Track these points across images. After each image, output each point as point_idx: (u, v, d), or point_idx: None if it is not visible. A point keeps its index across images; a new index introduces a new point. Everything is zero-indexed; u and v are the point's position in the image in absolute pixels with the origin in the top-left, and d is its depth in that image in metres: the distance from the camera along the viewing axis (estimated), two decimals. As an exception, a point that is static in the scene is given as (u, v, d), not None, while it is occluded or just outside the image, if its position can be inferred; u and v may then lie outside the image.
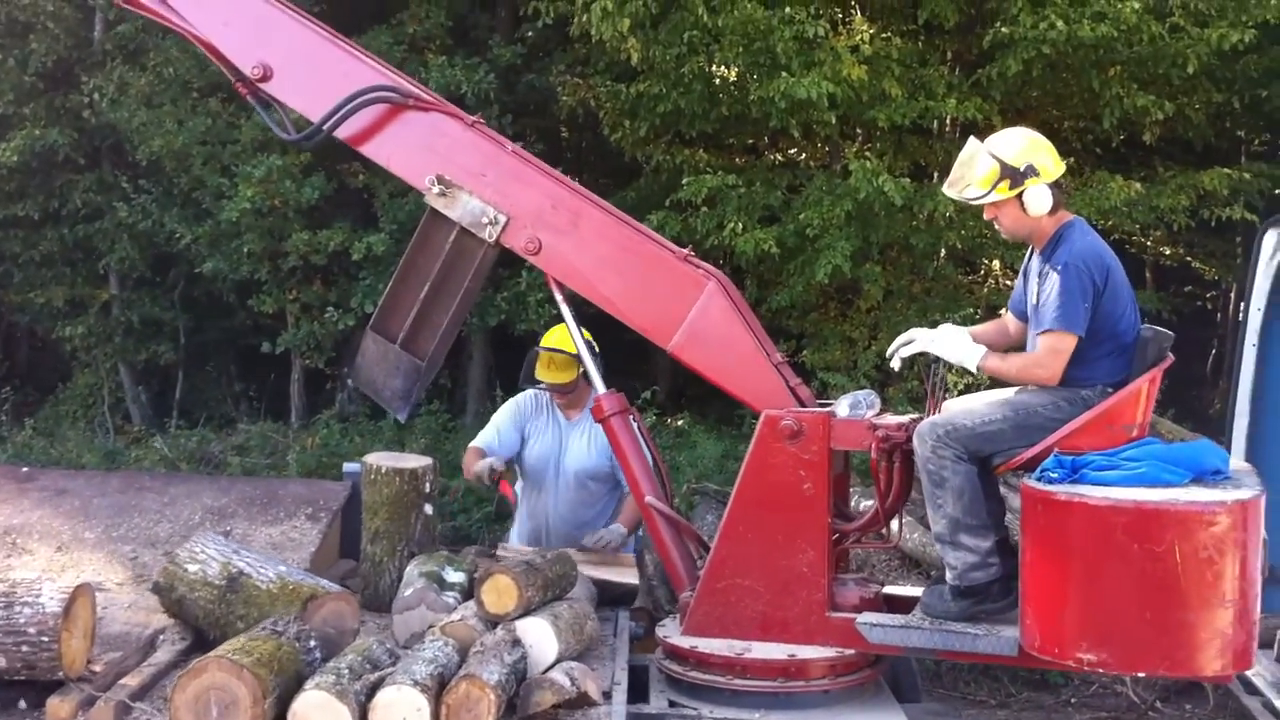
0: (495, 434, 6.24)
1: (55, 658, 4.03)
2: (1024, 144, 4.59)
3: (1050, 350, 4.46)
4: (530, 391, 6.33)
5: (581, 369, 5.89)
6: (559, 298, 5.25)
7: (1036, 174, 4.51)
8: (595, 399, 5.25)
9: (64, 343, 12.63)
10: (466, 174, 5.18)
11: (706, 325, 4.96)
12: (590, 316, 5.46)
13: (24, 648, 4.02)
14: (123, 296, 12.64)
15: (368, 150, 5.31)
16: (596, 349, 5.60)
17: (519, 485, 6.42)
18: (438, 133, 5.24)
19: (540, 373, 6.07)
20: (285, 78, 5.33)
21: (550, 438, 6.20)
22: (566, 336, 5.76)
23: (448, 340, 5.40)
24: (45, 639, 4.02)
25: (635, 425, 5.27)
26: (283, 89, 5.36)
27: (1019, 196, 4.52)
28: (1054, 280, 4.44)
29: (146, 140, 11.01)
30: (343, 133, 5.25)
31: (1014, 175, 4.51)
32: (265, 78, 5.32)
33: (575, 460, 6.14)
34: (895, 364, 4.84)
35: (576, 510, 6.21)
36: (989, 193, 4.55)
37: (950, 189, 4.72)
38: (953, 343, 4.63)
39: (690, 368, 5.12)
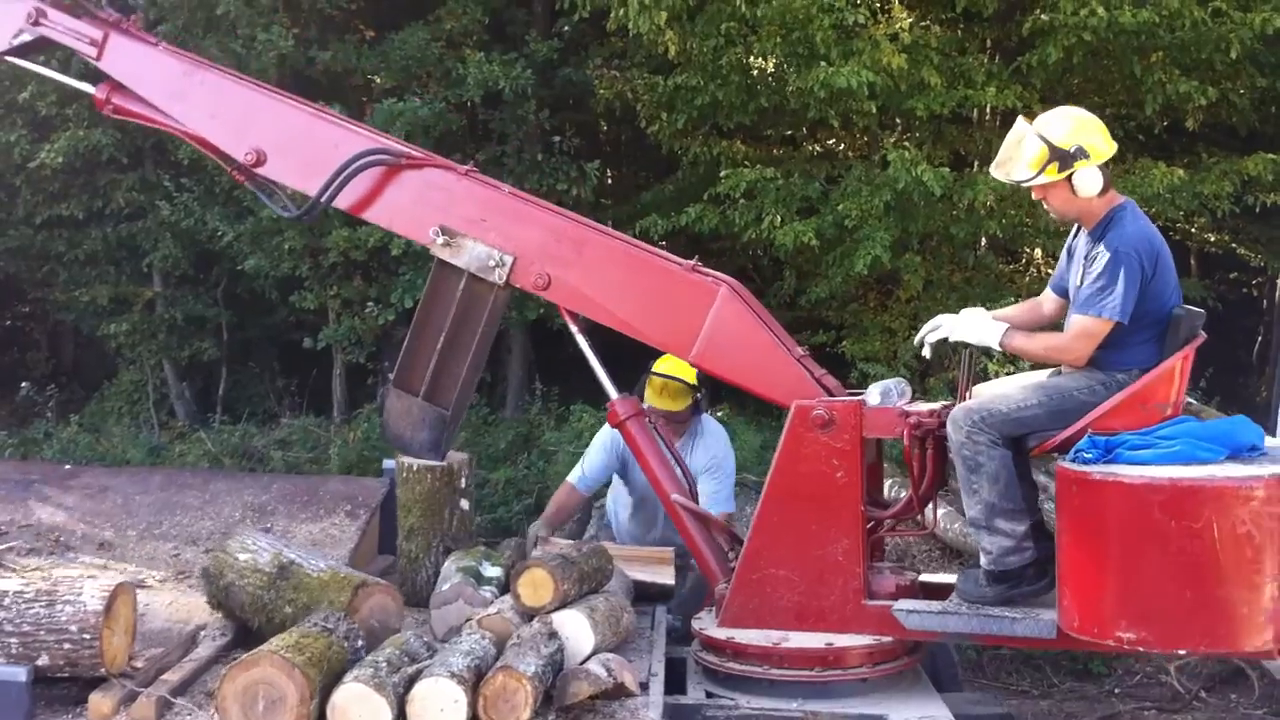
0: (585, 470, 6.31)
1: (97, 655, 4.08)
2: (1073, 125, 4.53)
3: (1081, 333, 4.42)
4: None
5: (695, 397, 5.98)
6: (574, 329, 5.28)
7: (1086, 155, 4.45)
8: (609, 404, 5.27)
9: (108, 340, 12.75)
10: (467, 222, 5.25)
11: (724, 331, 4.98)
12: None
13: (66, 645, 4.08)
14: (166, 294, 12.75)
15: (369, 215, 5.41)
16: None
17: (629, 505, 6.44)
18: (433, 187, 5.32)
19: (651, 398, 6.04)
20: (279, 159, 5.43)
21: None
22: (682, 364, 5.78)
23: (470, 387, 5.46)
24: (87, 636, 4.08)
25: (652, 425, 5.29)
26: (278, 170, 5.46)
27: (1068, 178, 4.47)
28: (1101, 264, 4.39)
29: (188, 140, 11.10)
30: (342, 202, 5.34)
31: (1063, 157, 4.45)
32: (259, 162, 5.42)
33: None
34: (925, 352, 4.84)
35: None
36: (1037, 175, 4.50)
37: (997, 171, 4.67)
38: (974, 324, 4.60)
39: (715, 375, 5.16)
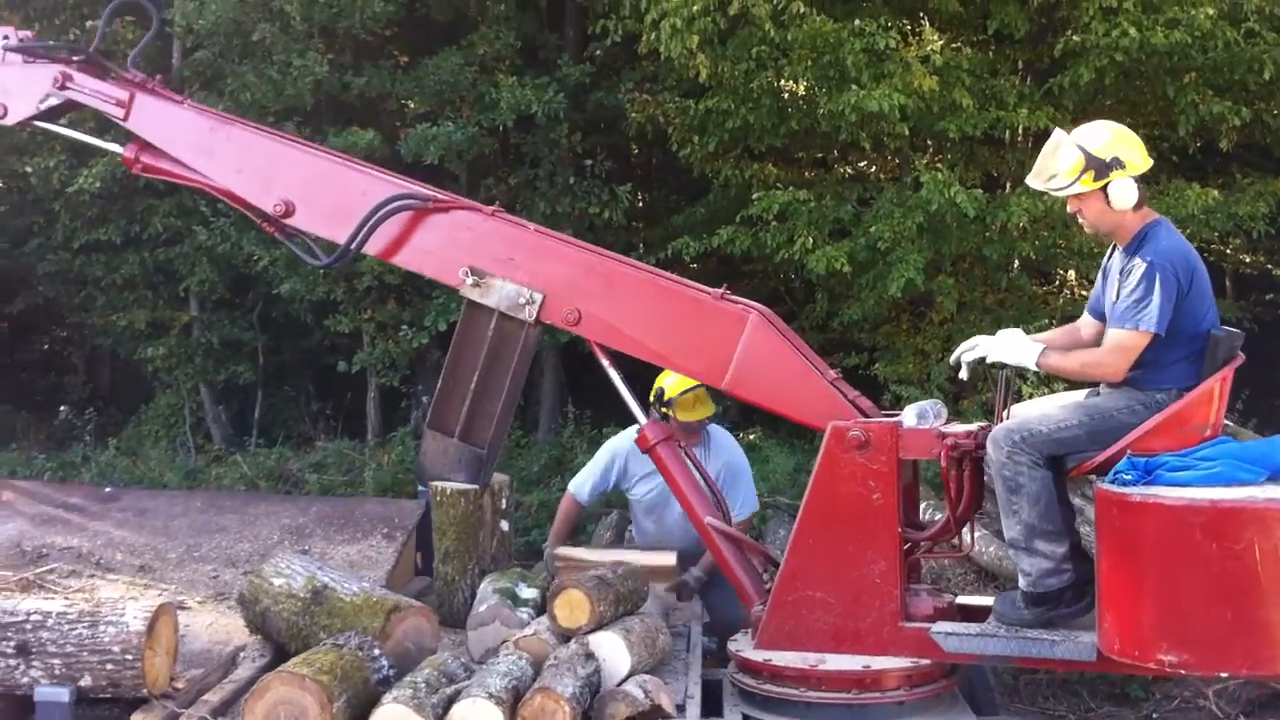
0: (586, 480, 6.46)
1: (139, 675, 4.12)
2: (1110, 136, 4.54)
3: (1117, 346, 4.41)
4: (630, 432, 6.27)
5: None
6: (605, 363, 5.31)
7: (1122, 166, 4.46)
8: (639, 429, 5.29)
9: (146, 364, 12.85)
10: (496, 261, 5.31)
11: (755, 358, 5.00)
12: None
13: (109, 665, 4.13)
14: (203, 318, 12.86)
15: (399, 260, 5.47)
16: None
17: (637, 518, 6.53)
18: (461, 228, 5.38)
19: (684, 414, 6.10)
20: (307, 209, 5.51)
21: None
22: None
23: (504, 425, 5.51)
24: (129, 657, 4.12)
25: (683, 449, 5.31)
26: (306, 220, 5.54)
27: (1104, 189, 4.46)
28: (1137, 276, 4.38)
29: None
30: (371, 248, 5.41)
31: (1099, 167, 4.45)
32: (288, 213, 5.50)
33: None
34: (963, 373, 4.82)
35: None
36: (1073, 183, 4.50)
37: (1034, 179, 4.68)
38: (1010, 344, 4.60)
39: (748, 401, 5.20)
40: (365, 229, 5.31)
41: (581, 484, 6.44)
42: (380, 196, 5.36)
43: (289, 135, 5.80)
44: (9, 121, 5.88)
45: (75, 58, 5.80)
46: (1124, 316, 4.38)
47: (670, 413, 6.06)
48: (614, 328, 5.21)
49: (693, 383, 5.93)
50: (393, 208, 5.33)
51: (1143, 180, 4.52)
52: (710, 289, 5.17)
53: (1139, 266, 4.39)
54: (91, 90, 5.70)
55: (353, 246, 5.36)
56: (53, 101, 5.75)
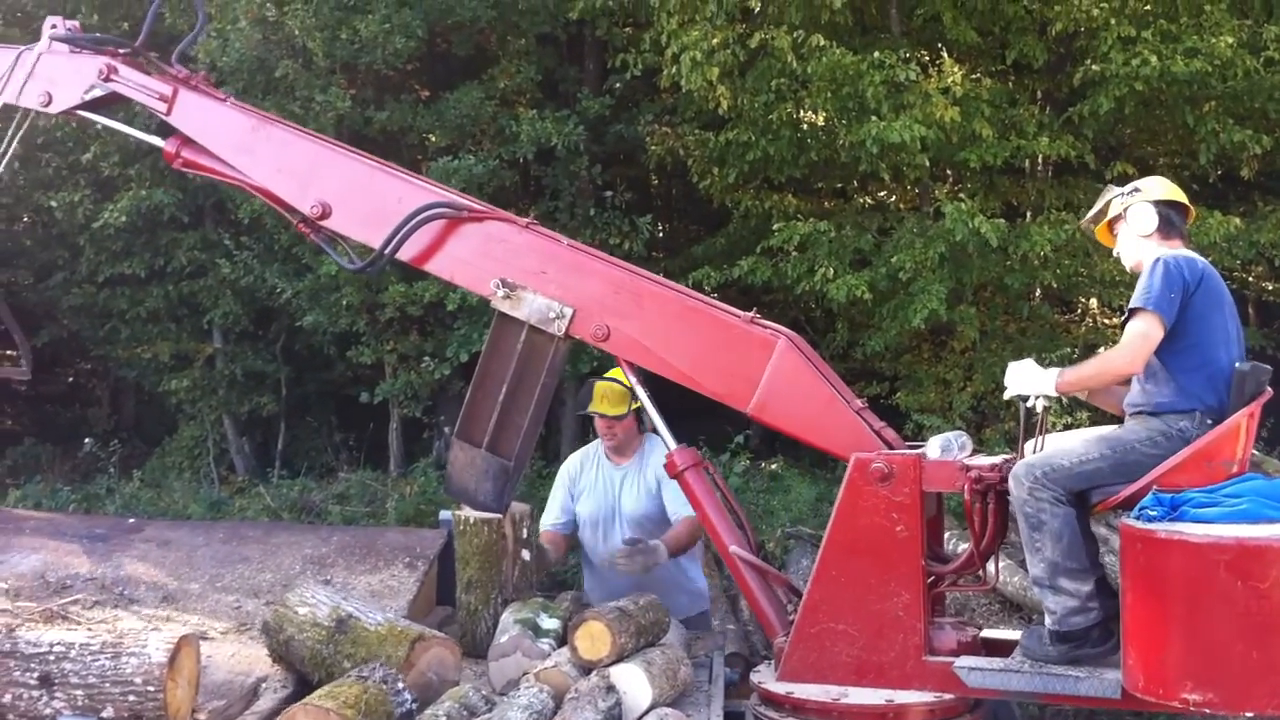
0: (551, 512, 6.35)
1: (161, 707, 4.12)
2: (1139, 180, 4.83)
3: (1133, 333, 4.39)
4: (578, 452, 6.41)
5: (634, 405, 5.96)
6: (633, 380, 5.30)
7: (1140, 191, 4.66)
8: (668, 455, 5.27)
9: (169, 396, 12.95)
10: (528, 274, 5.28)
11: (782, 384, 4.96)
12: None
13: (130, 697, 4.12)
14: (226, 350, 12.95)
15: (431, 267, 5.45)
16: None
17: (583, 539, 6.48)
18: (495, 239, 5.36)
19: (594, 404, 6.11)
20: (343, 212, 5.50)
21: (602, 488, 6.19)
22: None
23: (531, 437, 5.46)
24: (151, 688, 4.12)
25: (711, 476, 5.28)
26: (342, 223, 5.53)
27: (1125, 212, 4.66)
28: (1143, 274, 4.47)
29: (248, 199, 11.25)
30: (404, 254, 5.40)
31: (1122, 195, 4.70)
32: (325, 215, 5.50)
33: (631, 505, 6.12)
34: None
35: None
36: (1097, 211, 4.79)
37: (1082, 224, 5.03)
38: (1024, 375, 4.58)
39: (773, 427, 5.14)
40: (400, 235, 5.30)
41: (555, 517, 6.34)
42: (416, 203, 5.35)
43: (329, 139, 5.81)
44: (53, 110, 5.90)
45: (121, 50, 5.84)
46: (1133, 303, 4.42)
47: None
48: (642, 346, 5.19)
49: (620, 375, 5.83)
50: (428, 215, 5.33)
51: (1167, 213, 4.62)
52: (741, 312, 5.16)
53: (1147, 266, 4.49)
54: (136, 84, 5.73)
55: (386, 251, 5.36)
56: (97, 93, 5.78)
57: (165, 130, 5.88)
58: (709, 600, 6.53)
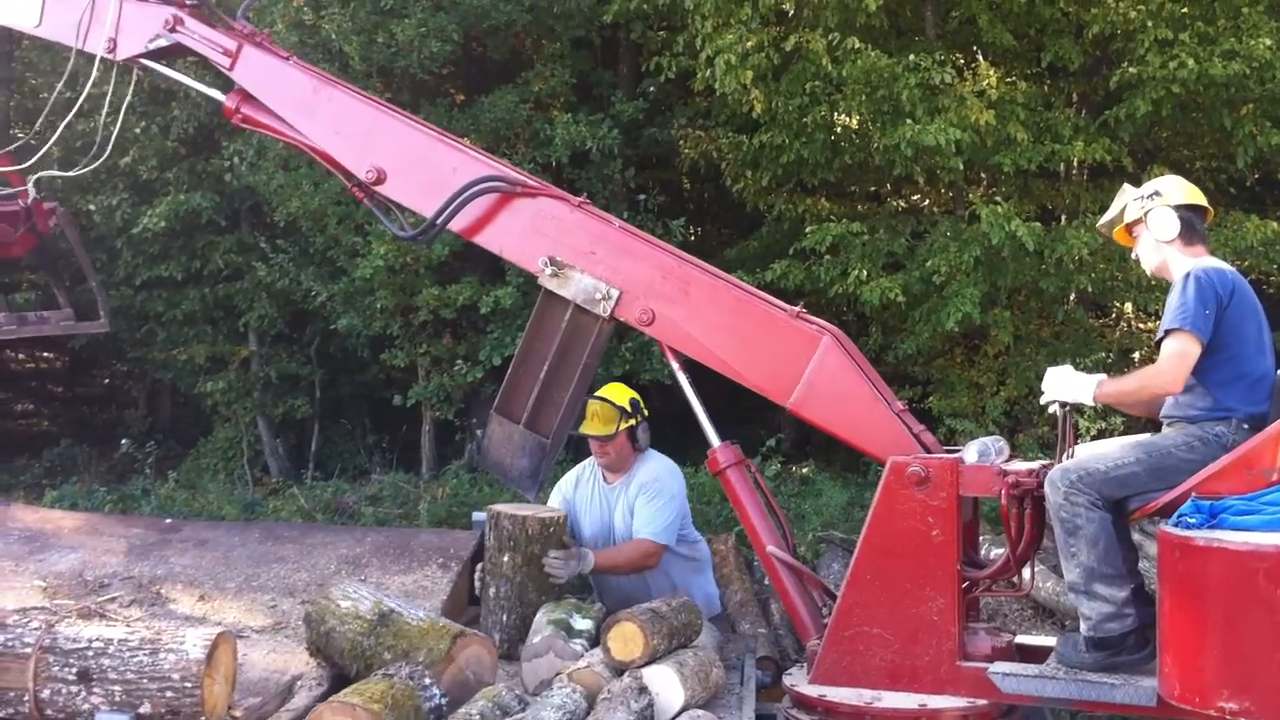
0: None
1: (198, 703, 4.14)
2: (1155, 181, 4.77)
3: (1171, 353, 4.37)
4: (575, 469, 6.30)
5: (625, 424, 5.86)
6: (675, 366, 5.29)
7: (1160, 195, 4.65)
8: (710, 452, 5.27)
9: (205, 398, 13.03)
10: (577, 253, 5.30)
11: (824, 380, 4.96)
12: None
13: (168, 693, 4.15)
14: (261, 353, 13.03)
15: (481, 239, 5.47)
16: (640, 412, 5.51)
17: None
18: (546, 216, 5.38)
19: (585, 424, 5.91)
20: (398, 179, 5.55)
21: (598, 508, 6.10)
22: (618, 389, 5.87)
23: (570, 416, 5.48)
24: (188, 684, 4.14)
25: (752, 475, 5.26)
26: (396, 190, 5.57)
27: (1145, 216, 4.64)
28: (1176, 289, 4.44)
29: (284, 202, 11.37)
30: (456, 225, 5.42)
31: (1140, 199, 4.69)
32: (379, 180, 5.54)
33: (620, 525, 6.00)
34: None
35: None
36: (1116, 215, 4.79)
37: (1099, 225, 5.00)
38: (1064, 381, 4.56)
39: (811, 423, 5.13)
40: (452, 206, 5.33)
41: None
42: (470, 175, 5.38)
43: (389, 105, 5.81)
44: (117, 57, 5.96)
45: (188, 3, 5.89)
46: (1168, 323, 4.40)
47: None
48: (686, 332, 5.20)
49: (616, 398, 5.83)
50: (482, 188, 5.35)
51: (1189, 219, 4.61)
52: (787, 306, 5.16)
53: (1177, 283, 4.46)
54: (201, 36, 5.78)
55: (439, 222, 5.38)
56: (161, 43, 5.83)
57: (225, 85, 5.92)
58: (719, 604, 6.49)
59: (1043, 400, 4.63)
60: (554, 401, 5.40)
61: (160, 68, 6.12)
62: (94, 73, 6.15)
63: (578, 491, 6.18)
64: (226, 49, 5.76)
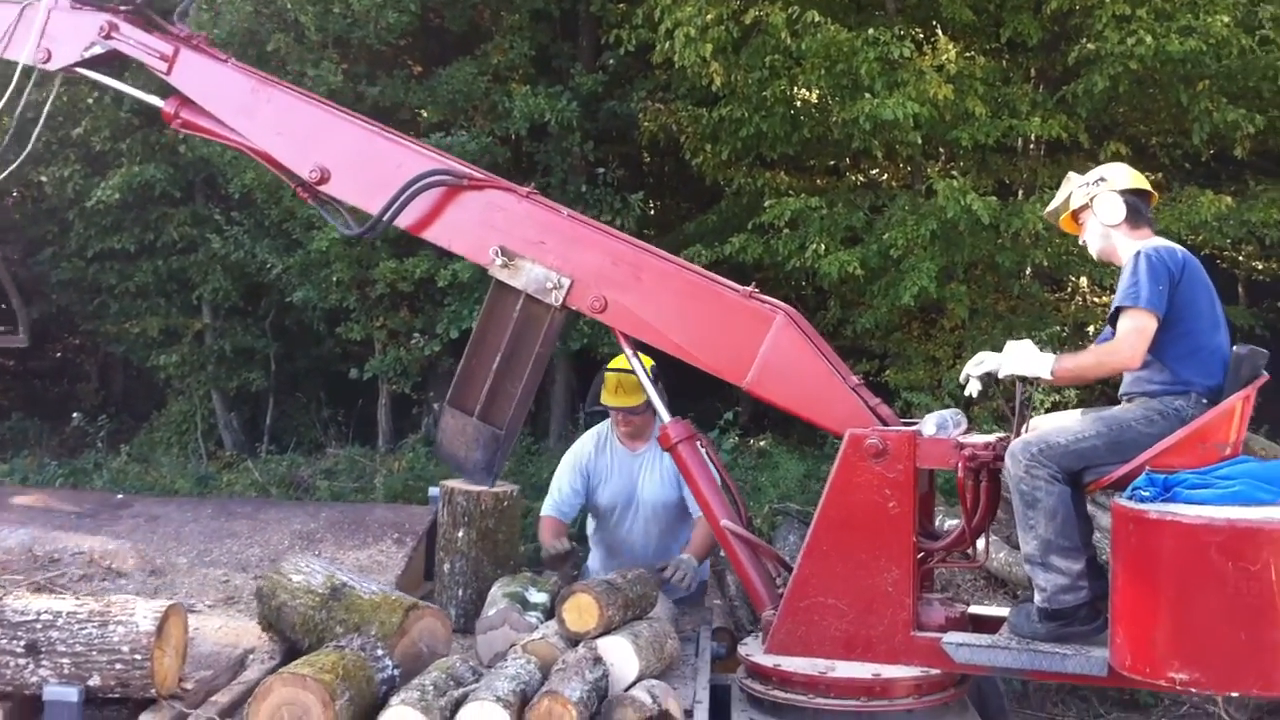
0: (559, 496, 6.23)
1: (148, 675, 4.10)
2: (1101, 168, 4.84)
3: (1128, 330, 4.40)
4: (588, 436, 6.32)
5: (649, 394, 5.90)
6: (628, 351, 5.27)
7: (1105, 180, 4.70)
8: (661, 427, 5.26)
9: (158, 371, 12.92)
10: (527, 244, 5.27)
11: (778, 358, 4.96)
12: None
13: (118, 665, 4.10)
14: (215, 326, 12.92)
15: (429, 235, 5.42)
16: (658, 379, 5.55)
17: (590, 526, 6.44)
18: (494, 208, 5.35)
19: (608, 397, 6.03)
20: (342, 177, 5.47)
21: (620, 475, 6.15)
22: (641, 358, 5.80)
23: (524, 407, 5.46)
24: (138, 657, 4.10)
25: (704, 450, 5.27)
26: (341, 188, 5.50)
27: (1091, 202, 4.69)
28: (1127, 268, 4.48)
29: (239, 174, 11.23)
30: (403, 221, 5.37)
31: (1086, 185, 4.76)
32: (324, 179, 5.47)
33: (651, 492, 6.10)
34: (972, 389, 4.76)
35: (658, 540, 6.19)
36: (1063, 202, 4.86)
37: (1047, 215, 5.07)
38: (1022, 356, 4.57)
39: (768, 402, 5.13)
40: (399, 201, 5.28)
41: (558, 504, 6.23)
42: (416, 170, 5.32)
43: (330, 103, 5.75)
44: (52, 67, 5.82)
45: (123, 8, 5.78)
46: (1122, 301, 4.44)
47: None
48: (639, 318, 5.17)
49: (625, 365, 5.78)
50: (427, 183, 5.30)
51: (1134, 202, 4.66)
52: (740, 286, 5.15)
53: (1128, 261, 4.50)
54: (136, 41, 5.67)
55: (384, 218, 5.33)
56: (97, 50, 5.72)
57: (164, 91, 5.83)
58: (708, 572, 6.55)
59: (1000, 374, 4.65)
60: (507, 392, 5.37)
61: (98, 76, 6.02)
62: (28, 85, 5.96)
63: (598, 460, 6.19)
64: (163, 53, 5.65)
